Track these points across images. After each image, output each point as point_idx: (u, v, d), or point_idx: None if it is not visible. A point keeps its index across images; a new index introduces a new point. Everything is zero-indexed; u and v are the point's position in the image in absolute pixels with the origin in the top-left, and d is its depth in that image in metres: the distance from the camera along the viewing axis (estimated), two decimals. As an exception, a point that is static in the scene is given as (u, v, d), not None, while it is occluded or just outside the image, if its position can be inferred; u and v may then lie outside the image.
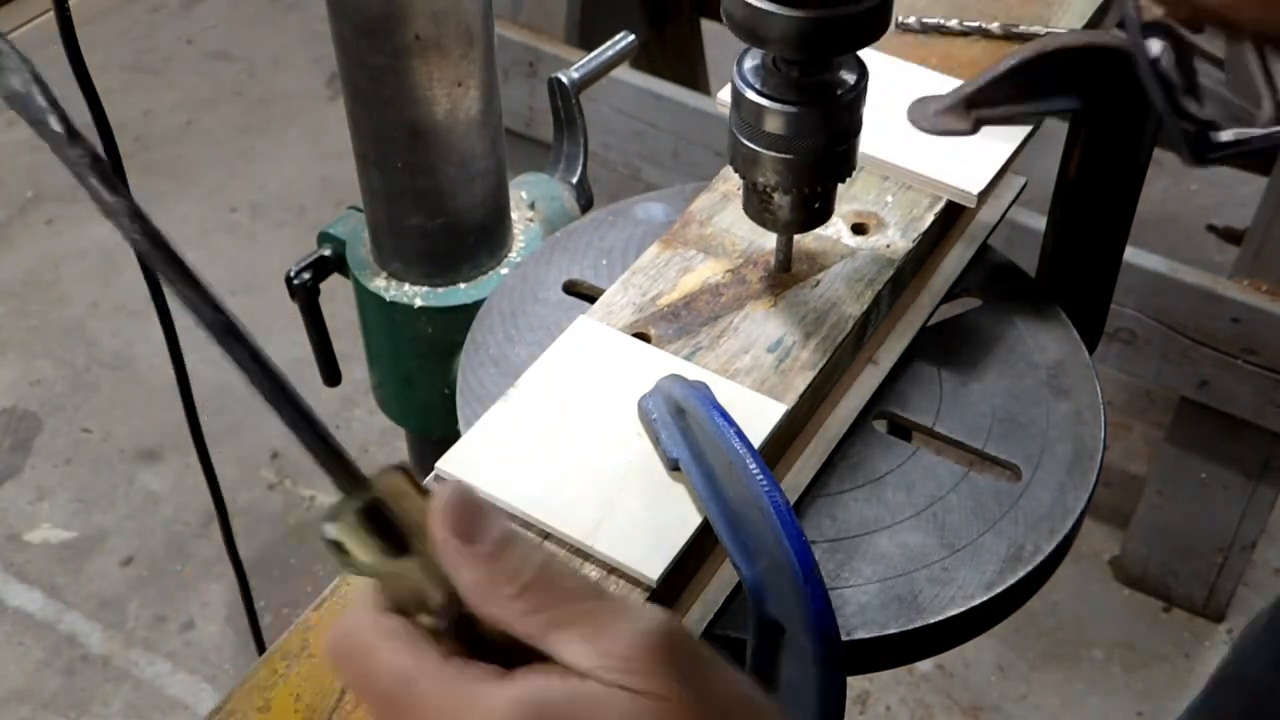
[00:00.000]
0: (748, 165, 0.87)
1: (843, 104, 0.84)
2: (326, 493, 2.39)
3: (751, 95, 0.84)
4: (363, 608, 0.51)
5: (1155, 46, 0.79)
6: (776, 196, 0.89)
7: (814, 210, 0.91)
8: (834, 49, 0.81)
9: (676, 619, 0.54)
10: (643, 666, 0.47)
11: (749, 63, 0.85)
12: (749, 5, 0.79)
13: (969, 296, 1.07)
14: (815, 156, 0.85)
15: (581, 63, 1.36)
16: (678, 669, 0.48)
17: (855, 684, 2.08)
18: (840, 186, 1.03)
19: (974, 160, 1.01)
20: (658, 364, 0.89)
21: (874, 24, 0.80)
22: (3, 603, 2.22)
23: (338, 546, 0.50)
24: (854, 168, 0.89)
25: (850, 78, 0.85)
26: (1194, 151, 0.79)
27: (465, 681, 0.48)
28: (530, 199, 1.34)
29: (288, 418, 0.51)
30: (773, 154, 0.85)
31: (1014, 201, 1.12)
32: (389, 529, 0.50)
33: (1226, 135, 0.79)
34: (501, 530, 0.50)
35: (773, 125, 0.84)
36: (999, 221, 1.10)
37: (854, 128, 0.87)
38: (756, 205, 0.91)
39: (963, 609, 0.85)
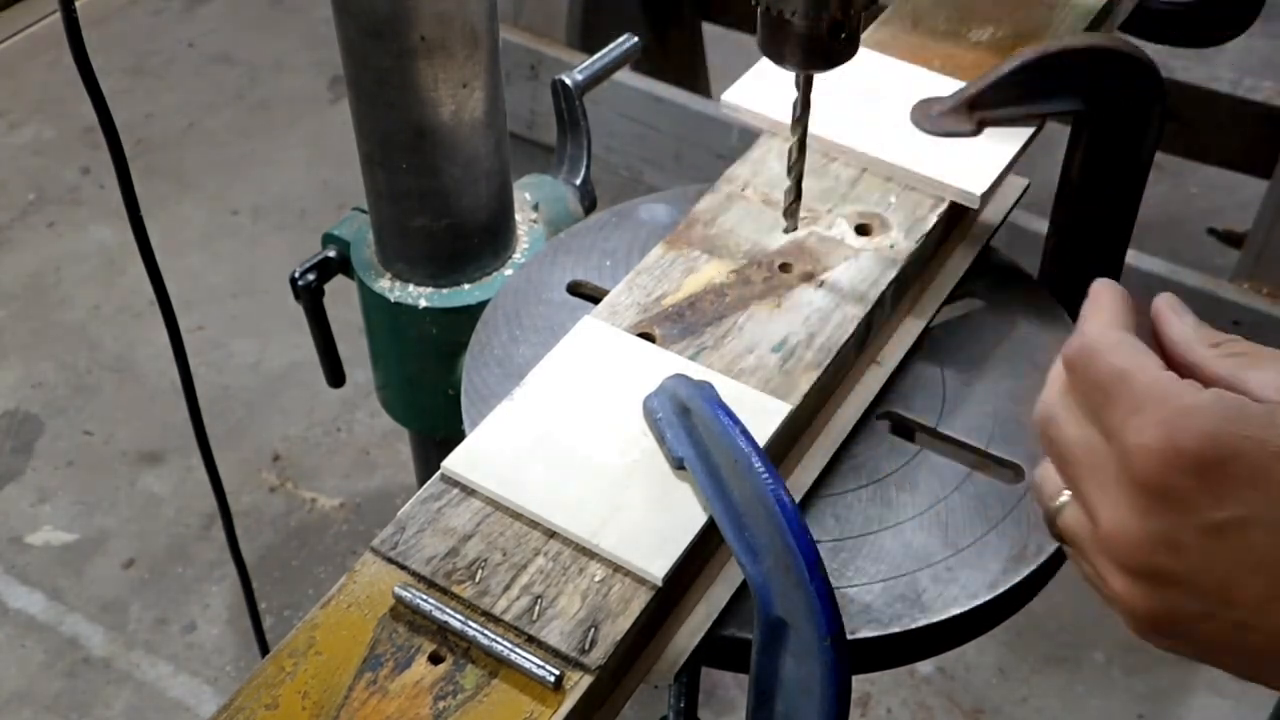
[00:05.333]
0: None
1: None
2: (328, 495, 2.39)
3: None
4: (1098, 324, 0.62)
5: None
6: (796, 20, 0.82)
7: (840, 41, 0.84)
8: None
9: None
10: None
11: None
12: None
13: (972, 297, 1.08)
14: None
15: (585, 65, 1.36)
16: None
17: (857, 686, 2.08)
18: (843, 187, 1.03)
19: (977, 162, 1.01)
20: (662, 364, 0.89)
21: None
22: (4, 605, 2.22)
23: None
24: None
25: None
26: None
27: (1174, 382, 0.57)
28: (534, 200, 1.35)
29: None
30: None
31: (1016, 203, 1.12)
32: None
33: None
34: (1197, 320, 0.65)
35: None
36: (1002, 222, 1.10)
37: None
38: (775, 35, 0.84)
39: (966, 608, 0.85)
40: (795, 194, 0.95)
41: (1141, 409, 0.56)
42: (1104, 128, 1.02)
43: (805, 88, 0.90)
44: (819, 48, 0.84)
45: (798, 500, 0.88)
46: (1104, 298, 0.64)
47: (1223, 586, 0.55)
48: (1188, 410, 0.55)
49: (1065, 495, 0.62)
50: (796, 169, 0.94)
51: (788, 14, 0.82)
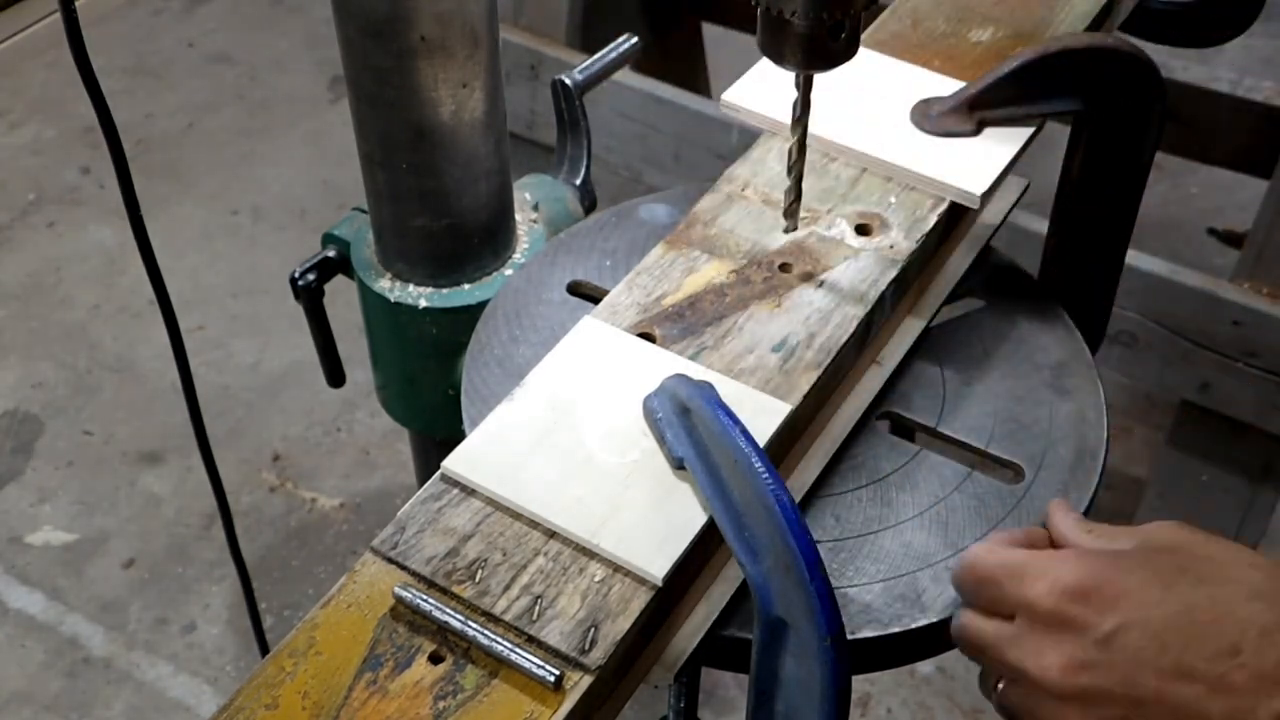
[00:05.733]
0: None
1: None
2: (328, 495, 2.39)
3: None
4: (974, 547, 0.78)
5: None
6: (796, 21, 0.82)
7: (840, 42, 0.84)
8: None
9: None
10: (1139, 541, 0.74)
11: None
12: None
13: (972, 297, 1.08)
14: None
15: (585, 65, 1.36)
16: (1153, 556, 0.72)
17: (857, 686, 2.08)
18: (843, 187, 1.03)
19: (977, 162, 1.01)
20: (662, 364, 0.89)
21: None
22: (4, 605, 2.22)
23: None
24: None
25: None
26: None
27: (1041, 551, 0.76)
28: (534, 200, 1.35)
29: None
30: None
31: (1016, 203, 1.12)
32: None
33: None
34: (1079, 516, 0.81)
35: None
36: (1002, 222, 1.11)
37: None
38: (775, 36, 0.84)
39: (966, 608, 0.85)
40: (795, 194, 0.95)
41: (1025, 574, 0.73)
42: (1104, 128, 1.02)
43: (805, 88, 0.90)
44: (819, 48, 0.84)
45: (798, 500, 0.88)
46: (990, 537, 0.81)
47: (1127, 686, 0.68)
48: (1058, 560, 0.73)
49: (1002, 683, 0.76)
50: (796, 169, 0.94)
51: (788, 14, 0.82)
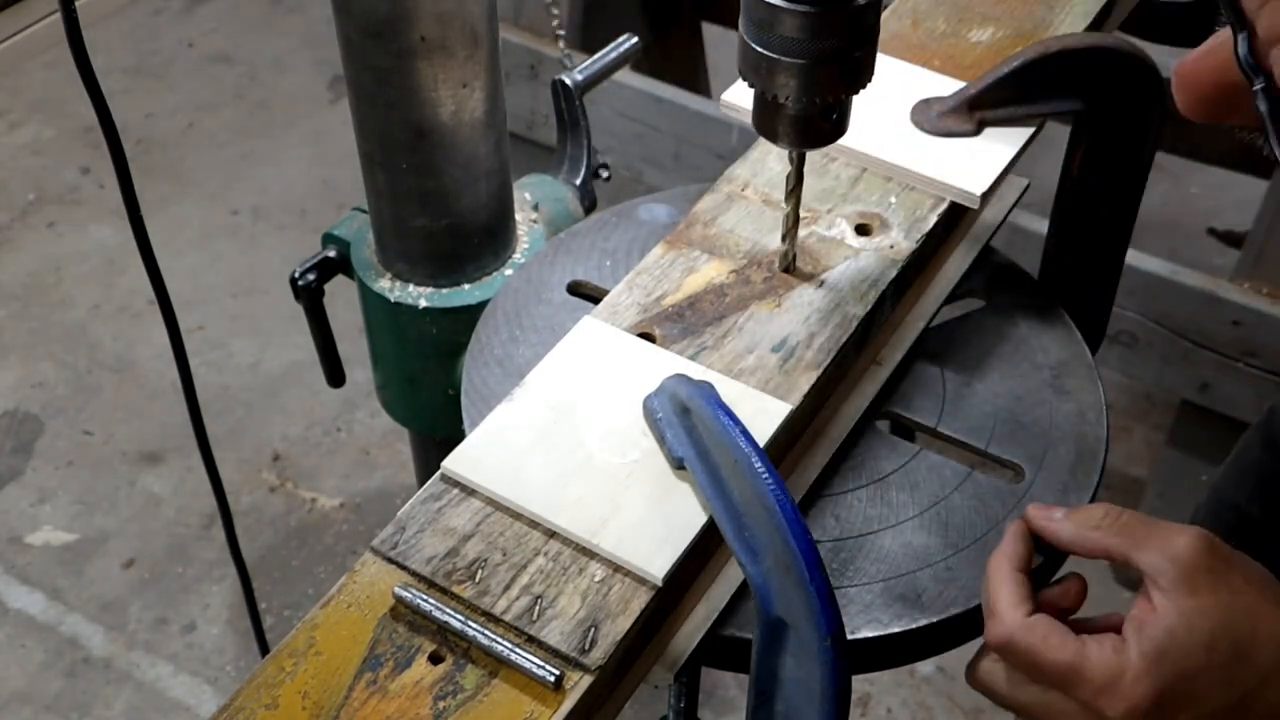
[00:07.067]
0: (757, 73, 0.83)
1: (858, 6, 0.80)
2: (328, 495, 2.39)
3: None
4: (1008, 606, 0.77)
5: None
6: (789, 104, 0.84)
7: (831, 122, 0.86)
8: None
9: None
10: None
11: None
12: None
13: (972, 297, 1.08)
14: (830, 60, 0.81)
15: (585, 65, 1.36)
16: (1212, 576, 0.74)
17: (857, 686, 2.08)
18: (843, 187, 1.04)
19: (977, 162, 1.01)
20: (662, 364, 0.89)
21: None
22: (4, 605, 2.22)
23: None
24: (871, 77, 0.85)
25: None
26: None
27: (1105, 655, 0.73)
28: (534, 200, 1.35)
29: None
30: (786, 59, 0.81)
31: (1016, 203, 1.12)
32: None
33: None
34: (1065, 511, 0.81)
35: (788, 29, 0.80)
36: (1002, 222, 1.11)
37: (872, 32, 0.83)
38: (769, 116, 0.87)
39: (965, 608, 0.85)
40: (790, 258, 0.96)
41: (1104, 689, 0.73)
42: (1104, 128, 1.02)
43: (798, 163, 0.91)
44: (811, 129, 0.86)
45: (798, 500, 0.88)
46: (999, 573, 0.79)
47: None
48: (1135, 678, 0.72)
49: None
50: (791, 235, 0.94)
51: (781, 98, 0.83)
